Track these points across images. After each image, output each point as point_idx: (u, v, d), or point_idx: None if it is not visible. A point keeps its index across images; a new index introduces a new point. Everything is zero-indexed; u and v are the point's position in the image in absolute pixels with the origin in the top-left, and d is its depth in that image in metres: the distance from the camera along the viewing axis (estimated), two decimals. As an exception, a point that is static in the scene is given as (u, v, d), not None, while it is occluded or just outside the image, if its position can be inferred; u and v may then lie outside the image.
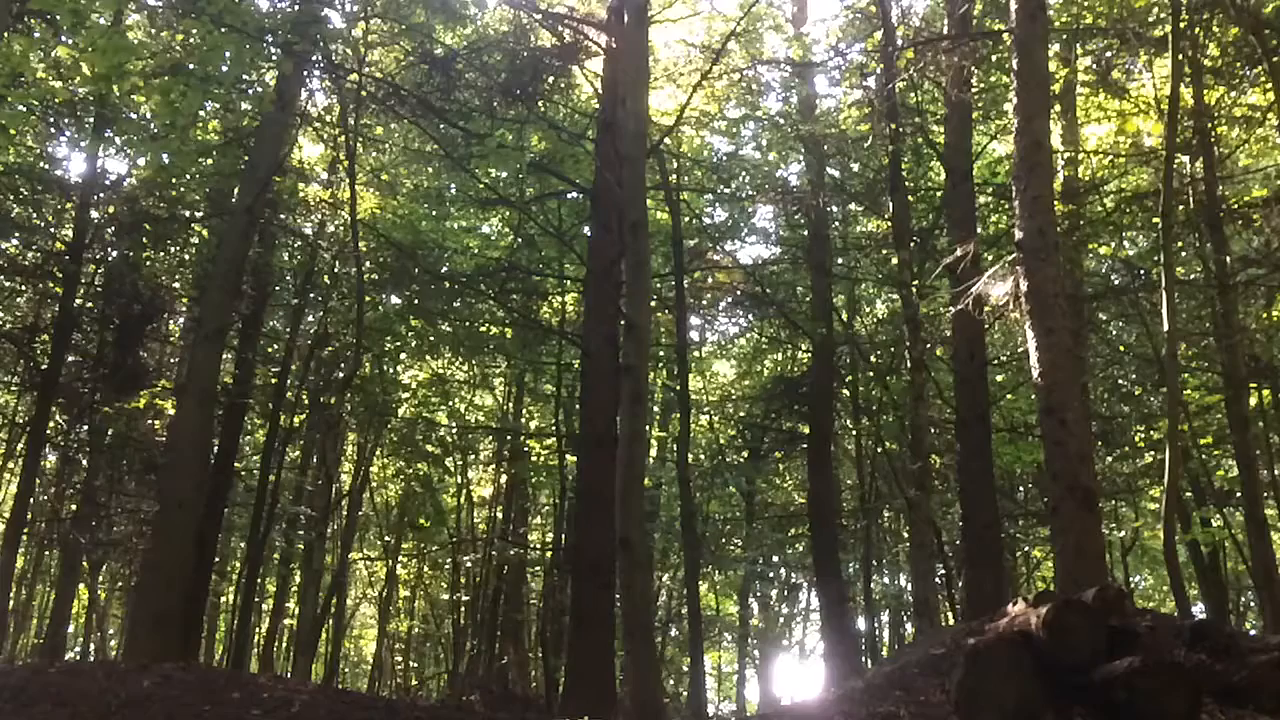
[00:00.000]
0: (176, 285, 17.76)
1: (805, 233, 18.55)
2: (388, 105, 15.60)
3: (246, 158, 14.49)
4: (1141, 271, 15.68)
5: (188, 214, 16.84)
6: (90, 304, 16.52)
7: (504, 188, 17.41)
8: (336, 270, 17.64)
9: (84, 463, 17.35)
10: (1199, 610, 15.84)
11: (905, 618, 23.52)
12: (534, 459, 21.64)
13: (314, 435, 19.72)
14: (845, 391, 19.38)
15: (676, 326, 17.63)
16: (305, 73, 14.62)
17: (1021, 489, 20.58)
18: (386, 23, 15.94)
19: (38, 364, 15.72)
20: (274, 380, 18.06)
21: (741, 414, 22.52)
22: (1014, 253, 9.04)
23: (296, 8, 12.99)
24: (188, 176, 15.67)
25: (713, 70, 15.75)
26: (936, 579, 16.37)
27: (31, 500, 15.91)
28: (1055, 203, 10.15)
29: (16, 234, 15.68)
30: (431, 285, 16.93)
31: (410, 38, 15.78)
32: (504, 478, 23.12)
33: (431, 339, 18.51)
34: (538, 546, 23.41)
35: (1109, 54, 14.06)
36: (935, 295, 16.48)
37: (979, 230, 14.64)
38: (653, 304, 15.92)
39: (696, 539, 17.41)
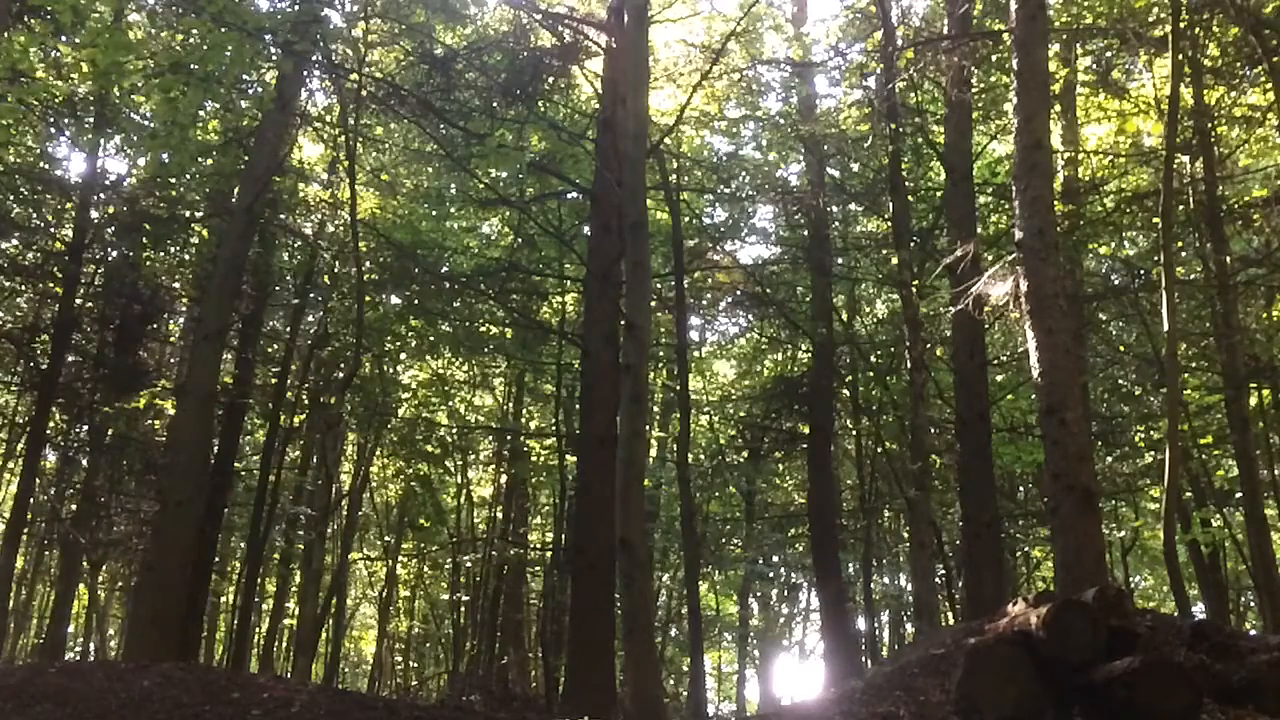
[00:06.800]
0: (176, 285, 17.76)
1: (805, 233, 18.55)
2: (388, 105, 15.60)
3: (246, 158, 14.49)
4: (1141, 271, 15.68)
5: (188, 214, 16.83)
6: (90, 304, 16.51)
7: (504, 188, 17.40)
8: (336, 270, 17.63)
9: (84, 463, 17.34)
10: (1199, 610, 15.83)
11: (905, 618, 23.52)
12: (534, 459, 21.63)
13: (314, 435, 19.70)
14: (845, 391, 19.37)
15: (676, 326, 17.61)
16: (305, 73, 14.63)
17: (1021, 489, 20.56)
18: (386, 23, 15.93)
19: (38, 364, 15.72)
20: (274, 380, 18.05)
21: (741, 414, 22.51)
22: (1014, 253, 9.03)
23: (296, 7, 12.98)
24: (188, 176, 15.66)
25: (713, 70, 15.74)
26: (936, 579, 16.37)
27: (31, 500, 15.91)
28: (1055, 203, 10.15)
29: (16, 234, 15.68)
30: (431, 285, 16.92)
31: (410, 38, 15.77)
32: (504, 478, 23.12)
33: (431, 339, 18.49)
34: (538, 546, 23.40)
35: (1109, 54, 14.06)
36: (935, 295, 16.47)
37: (979, 230, 14.63)
38: (653, 304, 15.92)
39: (696, 539, 17.40)
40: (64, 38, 11.53)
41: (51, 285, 16.07)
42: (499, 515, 23.27)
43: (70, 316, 15.31)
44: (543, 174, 16.95)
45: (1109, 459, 18.27)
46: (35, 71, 12.30)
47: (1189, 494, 15.75)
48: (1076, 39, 13.74)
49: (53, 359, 15.00)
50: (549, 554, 21.49)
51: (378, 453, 20.69)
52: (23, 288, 16.74)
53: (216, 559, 18.38)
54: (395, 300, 18.10)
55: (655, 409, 22.96)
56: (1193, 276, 15.25)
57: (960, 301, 10.73)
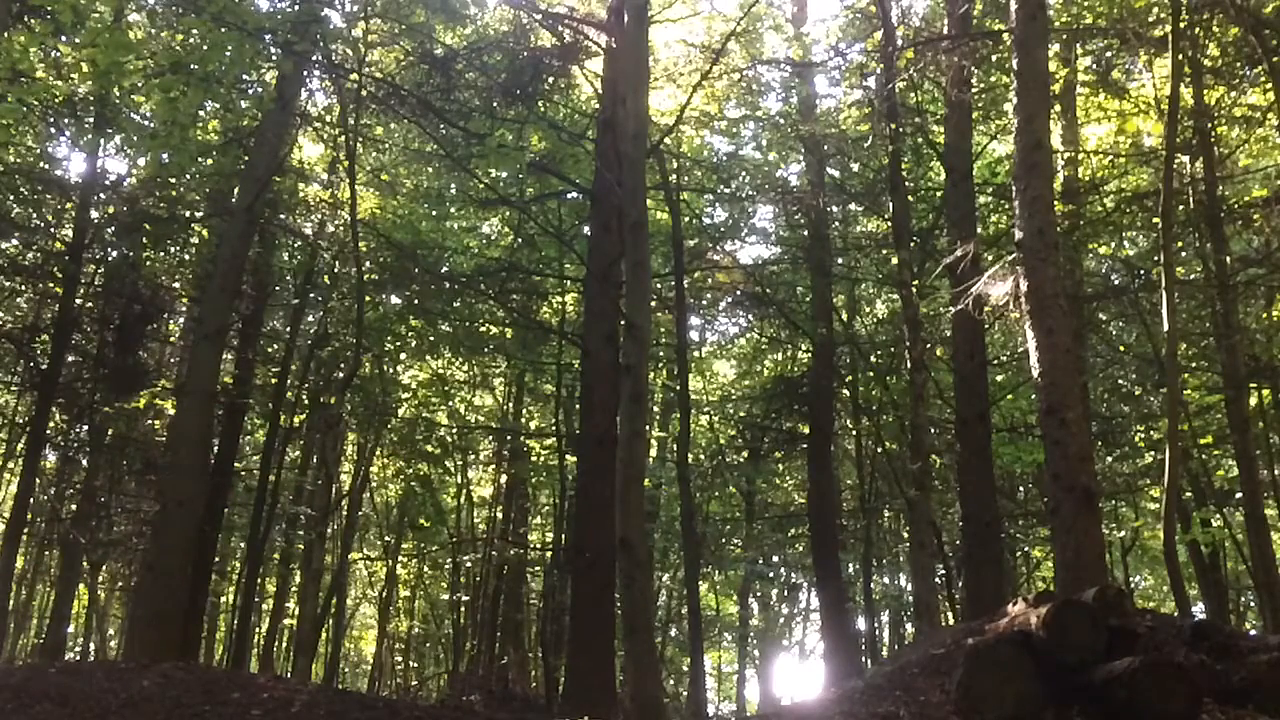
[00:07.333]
0: (176, 285, 17.76)
1: (805, 233, 18.55)
2: (388, 105, 15.60)
3: (246, 158, 14.49)
4: (1141, 271, 15.67)
5: (188, 214, 16.83)
6: (90, 304, 16.52)
7: (504, 188, 17.41)
8: (336, 270, 17.63)
9: (84, 463, 17.35)
10: (1199, 610, 15.82)
11: (905, 618, 23.52)
12: (534, 459, 21.64)
13: (314, 435, 19.71)
14: (845, 391, 19.37)
15: (676, 326, 17.61)
16: (305, 73, 14.63)
17: (1021, 489, 20.57)
18: (386, 23, 15.93)
19: (38, 364, 15.72)
20: (274, 380, 18.05)
21: (741, 414, 22.52)
22: (1014, 253, 9.03)
23: (296, 7, 12.99)
24: (188, 176, 15.67)
25: (713, 70, 15.74)
26: (936, 579, 16.35)
27: (31, 500, 15.91)
28: (1055, 203, 10.15)
29: (16, 234, 15.68)
30: (431, 285, 16.92)
31: (410, 38, 15.78)
32: (504, 478, 23.12)
33: (431, 339, 18.50)
34: (538, 546, 23.40)
35: (1109, 54, 14.06)
36: (935, 295, 16.47)
37: (979, 230, 14.63)
38: (653, 304, 15.92)
39: (696, 539, 17.40)
40: (64, 38, 11.53)
41: (51, 285, 16.07)
42: (499, 515, 23.27)
43: (70, 316, 15.31)
44: (543, 174, 16.95)
45: (1109, 459, 18.27)
46: (35, 71, 12.30)
47: (1189, 494, 15.75)
48: (1076, 39, 13.73)
49: (53, 359, 14.99)
50: (549, 554, 21.49)
51: (378, 453, 20.69)
52: (23, 288, 16.74)
53: (216, 559, 18.37)
54: (395, 300, 18.10)
55: (655, 409, 22.97)
56: (1193, 276, 15.25)
57: (960, 301, 10.73)
